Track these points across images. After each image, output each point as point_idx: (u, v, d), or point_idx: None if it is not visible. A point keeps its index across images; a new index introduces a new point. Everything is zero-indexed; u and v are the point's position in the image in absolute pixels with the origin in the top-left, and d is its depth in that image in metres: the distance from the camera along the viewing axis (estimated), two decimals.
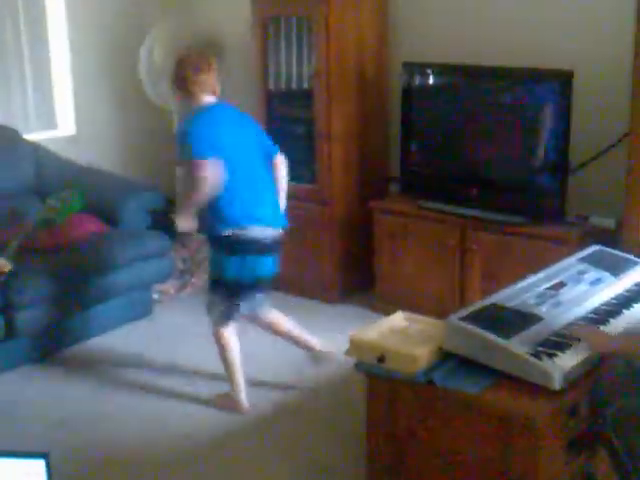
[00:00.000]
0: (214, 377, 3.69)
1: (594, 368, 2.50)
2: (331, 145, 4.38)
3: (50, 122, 4.92)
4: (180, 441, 3.27)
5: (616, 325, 2.68)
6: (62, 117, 4.95)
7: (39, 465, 2.65)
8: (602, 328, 2.64)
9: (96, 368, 3.86)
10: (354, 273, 4.60)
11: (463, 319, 2.59)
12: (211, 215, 3.31)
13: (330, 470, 3.07)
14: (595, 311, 2.76)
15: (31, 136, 4.63)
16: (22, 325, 3.70)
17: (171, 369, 3.83)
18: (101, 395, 3.62)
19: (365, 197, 4.49)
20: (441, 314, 2.93)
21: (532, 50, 4.05)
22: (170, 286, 4.57)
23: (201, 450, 3.22)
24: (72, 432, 3.32)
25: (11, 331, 3.68)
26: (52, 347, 3.96)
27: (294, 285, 4.63)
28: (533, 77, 3.93)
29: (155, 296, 4.46)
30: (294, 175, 4.56)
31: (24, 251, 3.84)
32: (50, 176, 4.43)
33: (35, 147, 4.51)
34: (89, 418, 3.44)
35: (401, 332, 2.81)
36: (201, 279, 4.70)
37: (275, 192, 3.46)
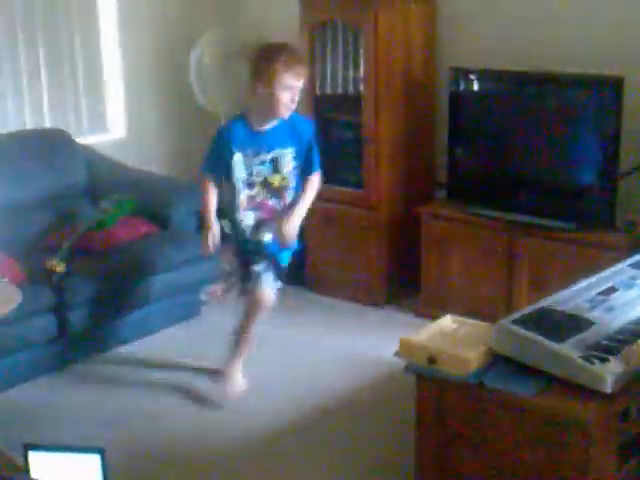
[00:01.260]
0: (261, 376, 3.74)
1: None
2: (378, 149, 4.41)
3: (101, 125, 5.01)
4: (227, 440, 3.31)
5: None
6: (113, 120, 5.03)
7: (94, 460, 2.71)
8: None
9: (144, 368, 3.92)
10: (400, 277, 4.61)
11: (514, 322, 2.60)
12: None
13: (379, 472, 3.08)
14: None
15: (83, 139, 4.72)
16: (74, 324, 3.77)
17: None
18: (148, 395, 3.67)
19: (412, 202, 4.51)
20: (488, 320, 2.94)
21: (582, 55, 4.04)
22: (217, 288, 4.61)
23: (249, 450, 3.26)
24: (120, 431, 3.37)
25: (63, 330, 3.75)
26: (102, 347, 4.03)
27: (341, 289, 4.66)
28: (583, 82, 3.92)
29: (203, 297, 4.51)
30: (341, 179, 4.64)
31: (76, 252, 3.93)
32: (102, 179, 4.51)
33: (87, 150, 4.60)
34: (136, 418, 3.49)
35: (451, 335, 2.83)
36: None
37: None
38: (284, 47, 3.33)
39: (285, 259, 3.59)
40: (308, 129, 3.49)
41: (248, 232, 3.48)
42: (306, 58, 3.37)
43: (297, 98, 3.33)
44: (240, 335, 3.62)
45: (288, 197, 3.48)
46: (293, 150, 3.42)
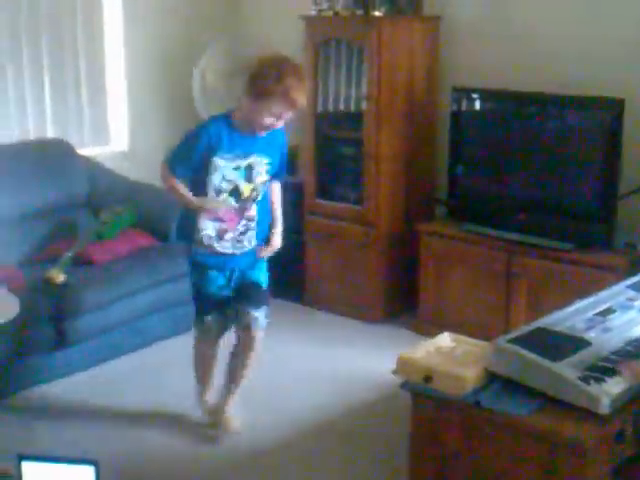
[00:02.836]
0: (256, 391, 3.74)
1: None
2: (379, 167, 4.42)
3: (104, 137, 5.03)
4: (221, 454, 3.31)
5: None
6: (115, 133, 5.05)
7: (89, 472, 2.70)
8: None
9: (141, 379, 3.91)
10: (398, 294, 4.62)
11: (511, 341, 2.61)
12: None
13: None
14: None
15: (85, 150, 4.74)
16: (73, 335, 3.77)
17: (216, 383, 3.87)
18: (145, 406, 3.67)
19: (411, 219, 4.52)
20: (485, 338, 2.94)
21: (583, 77, 4.06)
22: None
23: (242, 464, 3.25)
24: (118, 443, 3.37)
25: (63, 340, 3.76)
26: (99, 358, 4.03)
27: (338, 304, 4.66)
28: (584, 104, 3.94)
29: None
30: (340, 196, 4.65)
31: (76, 263, 3.95)
32: (103, 190, 4.53)
33: (89, 161, 4.62)
34: (135, 428, 3.49)
35: (448, 353, 2.83)
36: None
37: None
38: (287, 72, 3.04)
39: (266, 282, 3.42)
40: (282, 139, 3.30)
41: (211, 243, 3.23)
42: (305, 82, 3.09)
43: (280, 124, 3.13)
44: (237, 373, 3.43)
45: (251, 210, 3.24)
46: (269, 161, 3.21)
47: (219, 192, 3.17)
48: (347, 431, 3.49)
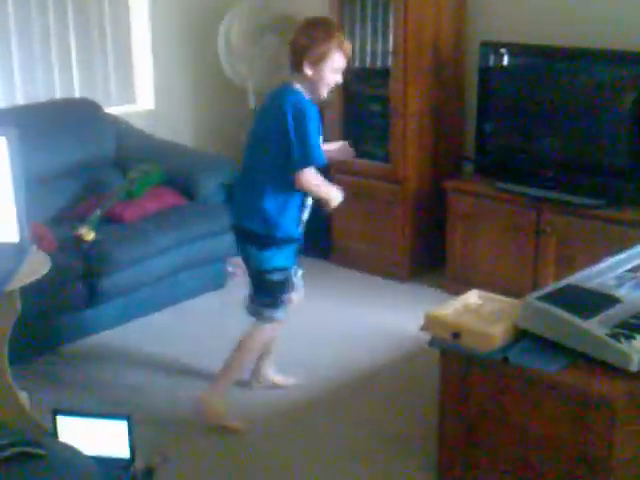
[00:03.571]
0: (285, 349, 3.78)
1: None
2: (406, 123, 4.39)
3: (130, 96, 5.03)
4: (252, 412, 3.35)
5: None
6: (141, 92, 5.05)
7: (122, 426, 2.77)
8: None
9: (171, 337, 3.96)
10: (426, 252, 4.61)
11: (540, 298, 2.60)
12: None
13: (403, 443, 3.11)
14: None
15: (112, 109, 4.74)
16: (104, 293, 3.81)
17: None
18: (178, 362, 3.71)
19: (439, 177, 4.50)
20: (514, 296, 2.94)
21: (614, 31, 3.99)
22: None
23: (273, 422, 3.29)
24: (150, 398, 3.42)
25: (94, 298, 3.80)
26: (130, 315, 4.07)
27: (365, 262, 4.67)
28: (615, 59, 3.87)
29: (230, 269, 4.54)
30: (368, 153, 4.63)
31: (106, 221, 3.97)
32: (130, 149, 4.54)
33: (116, 120, 4.62)
34: (168, 383, 3.54)
35: (476, 310, 2.83)
36: None
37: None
38: (329, 26, 3.07)
39: None
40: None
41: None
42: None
43: (340, 78, 3.11)
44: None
45: None
46: None
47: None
48: (376, 389, 3.51)
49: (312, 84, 3.07)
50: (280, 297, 3.19)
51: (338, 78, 3.10)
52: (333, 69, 3.05)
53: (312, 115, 3.02)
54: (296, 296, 3.32)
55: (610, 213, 3.80)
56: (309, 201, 3.20)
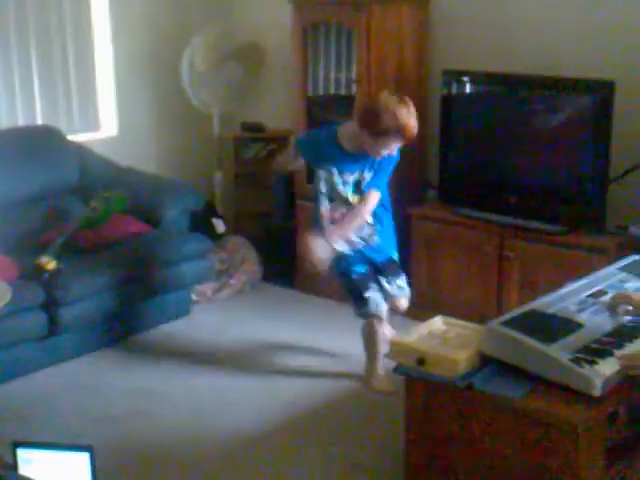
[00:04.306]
0: (248, 376, 3.76)
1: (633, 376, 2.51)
2: None
3: (93, 123, 5.00)
4: (218, 437, 3.32)
5: None
6: (105, 119, 5.03)
7: (83, 458, 2.71)
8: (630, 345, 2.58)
9: (134, 365, 3.92)
10: None
11: (504, 324, 2.62)
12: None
13: (366, 468, 3.09)
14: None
15: (75, 137, 4.71)
16: (65, 322, 3.77)
17: (209, 369, 3.88)
18: (139, 392, 3.67)
19: (402, 203, 4.51)
20: (478, 321, 2.95)
21: (573, 60, 4.06)
22: (207, 287, 4.62)
23: (240, 448, 3.26)
24: (113, 427, 3.38)
25: (54, 327, 3.75)
26: (92, 345, 4.02)
27: (329, 289, 4.66)
28: (574, 87, 3.94)
29: (193, 297, 4.51)
30: None
31: (67, 250, 3.93)
32: (93, 176, 4.50)
33: (79, 147, 4.59)
34: (128, 414, 3.49)
35: (441, 336, 2.84)
36: (239, 281, 4.75)
37: None
38: (402, 111, 3.33)
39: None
40: (388, 161, 3.55)
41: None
42: (414, 111, 3.39)
43: (395, 151, 3.47)
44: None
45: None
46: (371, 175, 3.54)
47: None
48: (340, 416, 3.50)
49: (364, 146, 3.44)
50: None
51: (389, 152, 3.45)
52: (387, 147, 3.41)
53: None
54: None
55: (571, 239, 3.85)
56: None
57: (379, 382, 3.64)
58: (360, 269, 3.61)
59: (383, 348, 3.53)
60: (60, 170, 4.42)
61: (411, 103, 3.41)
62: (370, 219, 3.61)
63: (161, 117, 5.24)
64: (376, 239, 3.64)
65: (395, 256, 3.73)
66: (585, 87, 3.89)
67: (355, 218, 3.54)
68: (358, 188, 3.54)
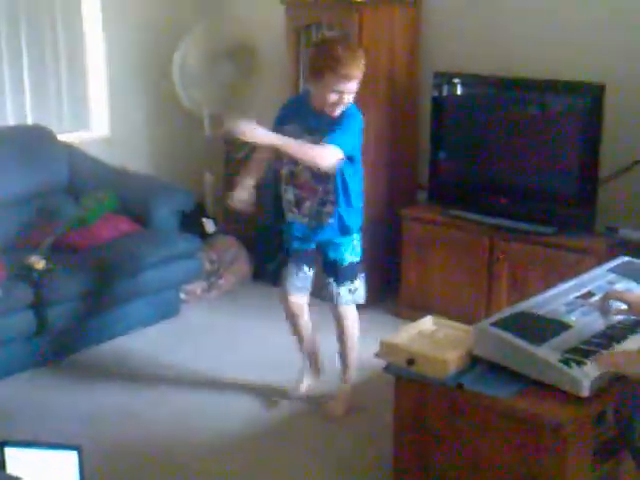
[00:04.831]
0: (239, 377, 3.75)
1: (621, 376, 2.51)
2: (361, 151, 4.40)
3: (84, 123, 4.99)
4: (207, 438, 3.32)
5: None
6: (96, 119, 5.01)
7: (71, 457, 2.70)
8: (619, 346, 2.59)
9: (123, 366, 3.91)
10: (380, 279, 4.62)
11: (493, 325, 2.62)
12: None
13: (356, 469, 3.10)
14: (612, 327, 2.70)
15: (65, 137, 4.69)
16: (53, 321, 3.76)
17: (198, 368, 3.88)
18: (128, 392, 3.67)
19: (394, 204, 4.53)
20: (467, 322, 2.96)
21: (564, 63, 4.07)
22: (196, 287, 4.62)
23: (227, 448, 3.26)
24: (101, 428, 3.37)
25: (42, 327, 3.74)
26: (81, 344, 4.01)
27: (321, 290, 4.65)
28: (565, 89, 3.95)
29: (182, 296, 4.51)
30: None
31: (57, 249, 3.92)
32: (83, 176, 4.49)
33: (69, 148, 4.58)
34: (117, 415, 3.48)
35: (430, 336, 2.85)
36: (228, 281, 4.75)
37: None
38: (335, 46, 3.13)
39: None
40: (346, 113, 3.23)
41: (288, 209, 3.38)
42: (358, 53, 3.18)
43: (348, 98, 3.17)
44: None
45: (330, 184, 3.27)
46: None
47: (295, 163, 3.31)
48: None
49: (317, 98, 3.21)
50: None
51: (340, 99, 3.14)
52: (329, 89, 3.11)
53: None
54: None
55: (561, 240, 3.86)
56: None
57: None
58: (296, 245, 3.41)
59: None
60: (50, 170, 4.41)
61: (348, 39, 3.34)
62: (331, 195, 3.27)
63: (153, 116, 5.23)
64: (330, 221, 3.31)
65: (348, 258, 3.39)
66: (575, 89, 3.91)
67: (297, 146, 3.10)
68: None
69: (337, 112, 3.18)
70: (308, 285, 3.51)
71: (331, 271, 3.41)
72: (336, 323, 3.51)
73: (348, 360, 3.53)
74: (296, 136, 3.17)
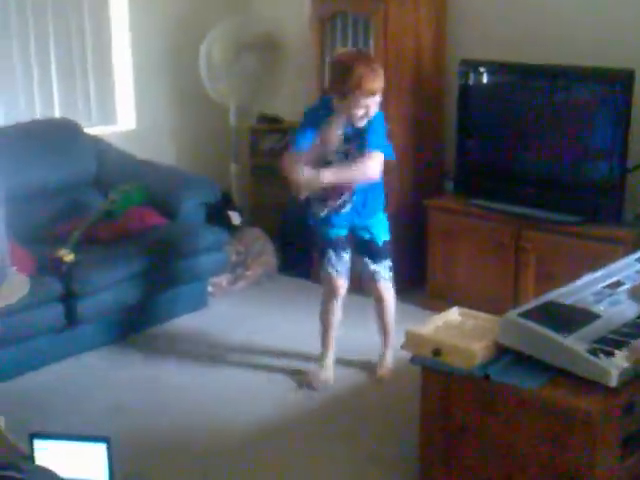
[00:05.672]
0: (267, 367, 3.77)
1: None
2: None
3: (111, 117, 5.02)
4: (236, 428, 3.33)
5: None
6: (122, 112, 5.04)
7: (101, 448, 2.73)
8: None
9: (152, 357, 3.94)
10: (407, 270, 4.60)
11: (521, 315, 2.60)
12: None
13: (384, 460, 3.10)
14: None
15: (92, 130, 4.73)
16: (82, 314, 3.79)
17: (226, 360, 3.90)
18: (159, 383, 3.70)
19: (420, 194, 4.51)
20: (494, 312, 2.94)
21: (593, 49, 4.03)
22: (222, 279, 4.63)
23: (256, 438, 3.27)
24: (132, 417, 3.40)
25: (72, 319, 3.77)
26: (109, 336, 4.05)
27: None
28: (593, 76, 3.91)
29: (210, 289, 4.52)
30: None
31: (85, 242, 3.95)
32: (111, 169, 4.52)
33: (96, 141, 4.61)
34: (148, 404, 3.51)
35: (457, 327, 2.83)
36: (255, 272, 4.76)
37: None
38: (356, 65, 3.23)
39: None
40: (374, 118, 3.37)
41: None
42: (376, 66, 3.30)
43: (373, 110, 3.29)
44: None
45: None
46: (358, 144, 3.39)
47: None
48: (357, 406, 3.50)
49: (342, 112, 3.34)
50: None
51: (367, 112, 3.28)
52: (356, 106, 3.25)
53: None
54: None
55: (589, 230, 3.82)
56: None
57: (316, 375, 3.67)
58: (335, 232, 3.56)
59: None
60: (78, 163, 4.44)
61: (368, 53, 3.41)
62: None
63: (178, 109, 5.25)
64: (347, 208, 3.49)
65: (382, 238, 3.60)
66: (604, 76, 3.86)
67: (352, 170, 3.33)
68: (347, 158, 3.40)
69: (364, 123, 3.33)
70: (348, 269, 3.66)
71: (367, 252, 3.60)
72: (376, 302, 3.71)
73: (389, 327, 3.74)
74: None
